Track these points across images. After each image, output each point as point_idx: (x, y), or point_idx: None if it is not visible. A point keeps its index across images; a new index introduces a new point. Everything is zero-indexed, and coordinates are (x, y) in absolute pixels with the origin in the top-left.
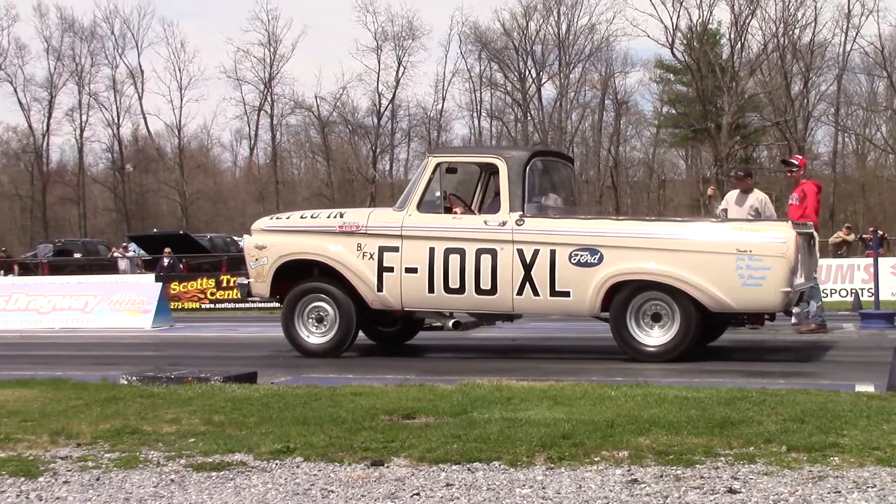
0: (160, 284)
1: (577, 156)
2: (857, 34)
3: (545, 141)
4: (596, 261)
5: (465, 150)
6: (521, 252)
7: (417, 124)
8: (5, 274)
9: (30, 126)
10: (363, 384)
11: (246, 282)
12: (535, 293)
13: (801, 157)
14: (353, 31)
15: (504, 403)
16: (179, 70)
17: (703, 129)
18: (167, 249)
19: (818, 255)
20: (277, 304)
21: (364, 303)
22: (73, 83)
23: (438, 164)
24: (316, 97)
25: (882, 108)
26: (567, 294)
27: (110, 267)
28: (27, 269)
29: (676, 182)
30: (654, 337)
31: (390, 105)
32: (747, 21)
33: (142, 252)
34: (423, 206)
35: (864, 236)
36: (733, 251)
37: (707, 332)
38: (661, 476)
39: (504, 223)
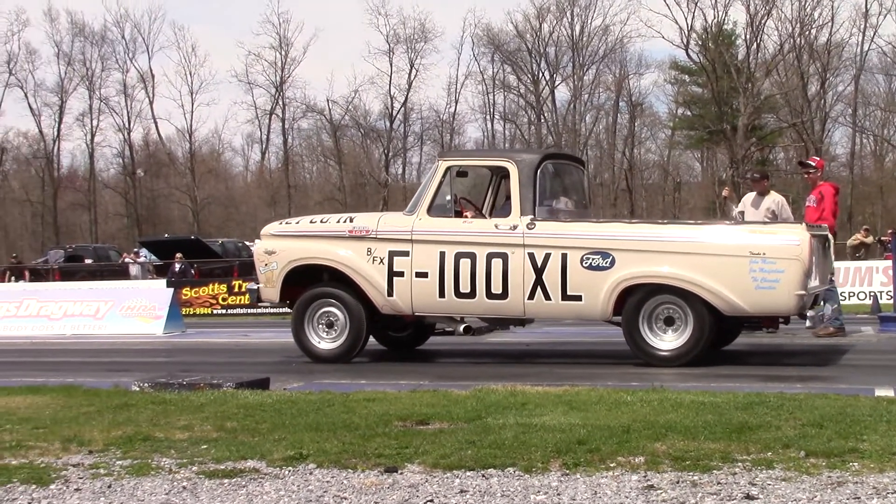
0: (172, 290)
1: (591, 158)
2: (874, 34)
3: (559, 144)
4: (608, 264)
5: (475, 153)
6: (532, 256)
7: (430, 127)
8: (16, 280)
9: (40, 131)
10: (376, 390)
11: (256, 287)
12: (547, 297)
13: (818, 158)
14: (365, 33)
15: (519, 409)
16: (190, 74)
17: (719, 130)
18: (178, 255)
19: (833, 257)
20: (289, 310)
21: (374, 308)
22: (83, 88)
23: (449, 168)
24: (328, 101)
25: None
26: (579, 298)
27: (121, 272)
28: (38, 275)
29: (692, 184)
30: (667, 341)
31: (403, 108)
32: (763, 21)
33: (153, 257)
34: (433, 210)
35: (882, 238)
36: (746, 254)
37: (722, 335)
38: (678, 482)
39: (515, 227)
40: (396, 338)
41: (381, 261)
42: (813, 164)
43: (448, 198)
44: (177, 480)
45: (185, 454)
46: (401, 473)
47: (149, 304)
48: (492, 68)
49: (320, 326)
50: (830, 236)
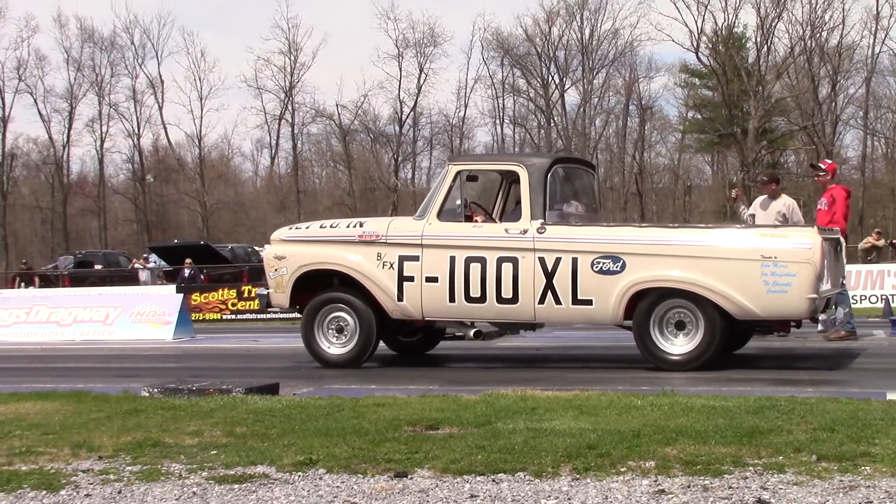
0: (181, 295)
1: (601, 162)
2: (885, 36)
3: (569, 148)
4: (618, 268)
5: (485, 157)
6: (542, 260)
7: (439, 132)
8: (26, 286)
9: (50, 137)
10: (386, 395)
11: (265, 292)
12: (557, 301)
13: (830, 161)
14: (374, 38)
15: (529, 413)
16: (199, 80)
17: (730, 133)
18: (188, 260)
19: (845, 260)
20: (299, 315)
21: (384, 312)
22: (93, 94)
23: (459, 172)
24: (337, 105)
25: None
26: (589, 302)
27: (131, 278)
28: (48, 281)
29: (702, 188)
30: (678, 345)
31: (412, 113)
32: (774, 24)
33: (163, 263)
34: (443, 214)
35: (893, 241)
36: (758, 257)
37: (733, 339)
38: (689, 486)
39: (525, 231)
40: (406, 342)
41: (391, 265)
42: (823, 166)
43: (458, 202)
44: (186, 486)
45: (194, 460)
46: (411, 478)
47: (158, 310)
48: (501, 72)
49: (330, 331)
50: (842, 239)
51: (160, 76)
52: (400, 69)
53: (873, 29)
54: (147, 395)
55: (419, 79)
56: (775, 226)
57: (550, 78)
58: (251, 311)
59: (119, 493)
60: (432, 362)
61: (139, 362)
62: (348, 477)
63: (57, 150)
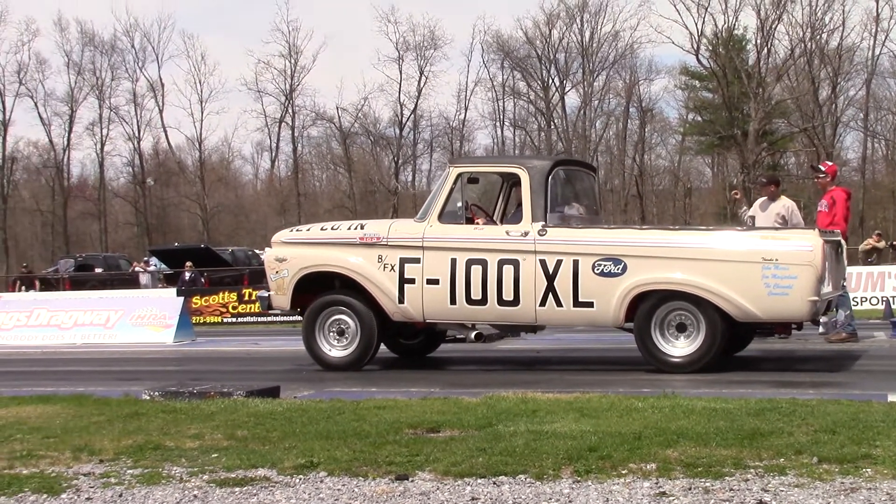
0: (182, 299)
1: (601, 164)
2: (886, 38)
3: (569, 150)
4: (619, 271)
5: (486, 159)
6: (543, 262)
7: (440, 134)
8: (27, 289)
9: (50, 141)
10: (387, 397)
11: (266, 295)
12: (559, 304)
13: (830, 163)
14: (375, 41)
15: (530, 416)
16: (200, 83)
17: (730, 136)
18: (189, 263)
19: (846, 262)
20: (299, 318)
21: (385, 315)
22: (93, 97)
23: (460, 175)
24: (337, 108)
25: None
26: (590, 305)
27: (132, 281)
28: (48, 285)
29: (703, 190)
30: (680, 347)
31: (412, 115)
32: (774, 26)
33: (163, 266)
34: (444, 216)
35: (894, 243)
36: (759, 260)
37: (734, 341)
38: (690, 489)
39: (526, 233)
40: (407, 345)
41: (392, 268)
42: (824, 168)
43: (459, 204)
44: (188, 489)
45: (195, 463)
46: (412, 481)
47: (159, 313)
48: (501, 75)
49: (331, 334)
50: (842, 241)
51: (160, 79)
52: (400, 72)
53: (873, 31)
54: (148, 398)
55: (419, 81)
56: (776, 228)
57: (551, 80)
58: (252, 314)
59: (120, 496)
60: (433, 365)
61: (140, 366)
62: (349, 480)
63: (57, 154)
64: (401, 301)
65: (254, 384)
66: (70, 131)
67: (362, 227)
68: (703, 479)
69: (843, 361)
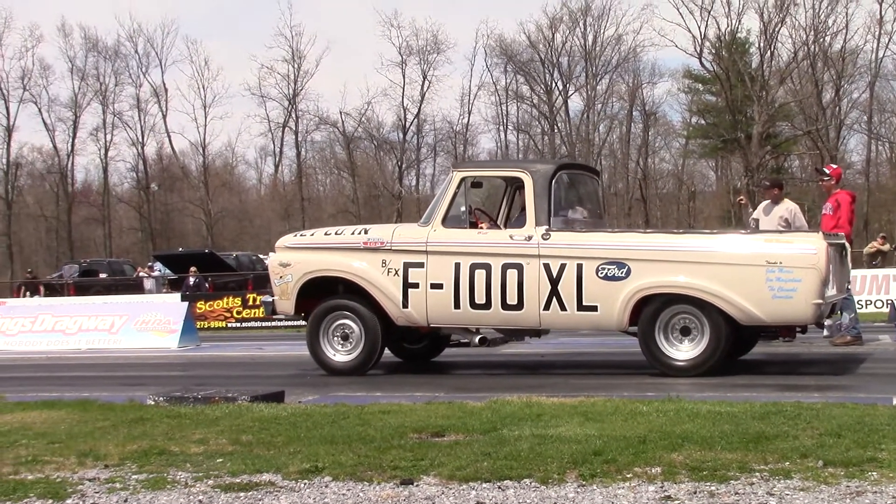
0: (186, 304)
1: (605, 168)
2: (889, 40)
3: (573, 154)
4: (623, 274)
5: (489, 164)
6: (547, 266)
7: (443, 139)
8: (31, 295)
9: (54, 146)
10: (391, 402)
11: (270, 299)
12: (563, 308)
13: (835, 166)
14: (378, 45)
15: (534, 420)
16: (203, 88)
17: (733, 139)
18: (193, 268)
19: (850, 265)
20: (304, 322)
21: (389, 320)
22: (97, 103)
23: (463, 179)
24: (341, 113)
25: None
26: (594, 308)
27: (136, 287)
28: (53, 290)
29: (707, 193)
30: (684, 351)
31: (416, 120)
32: (777, 29)
33: (167, 271)
34: (448, 221)
35: None
36: (763, 263)
37: (738, 345)
38: (695, 492)
39: (530, 237)
40: (412, 350)
41: (396, 272)
42: (828, 171)
43: (463, 209)
44: (193, 494)
45: (200, 468)
46: (416, 486)
47: (163, 318)
48: (505, 79)
49: (335, 339)
50: (847, 244)
51: (164, 85)
52: (403, 76)
53: (877, 33)
54: (153, 403)
55: (423, 86)
56: (780, 231)
57: (554, 84)
58: (256, 319)
59: (125, 501)
60: (437, 369)
61: (144, 371)
62: (354, 484)
63: (61, 159)
64: (405, 305)
65: (258, 389)
66: (74, 137)
67: (366, 232)
68: (708, 483)
69: (847, 365)
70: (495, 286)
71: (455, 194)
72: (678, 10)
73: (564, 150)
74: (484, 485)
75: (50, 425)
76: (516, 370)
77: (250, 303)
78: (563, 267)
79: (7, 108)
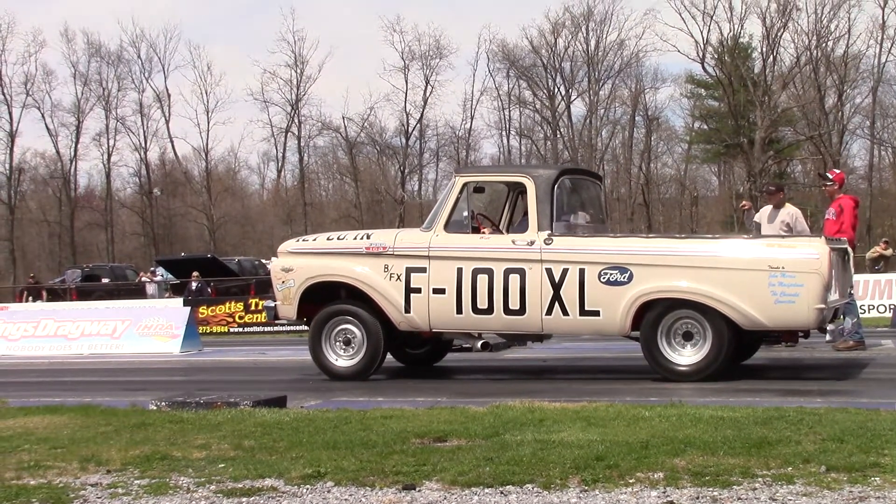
0: (188, 309)
1: (607, 173)
2: (892, 45)
3: (575, 159)
4: (626, 279)
5: (492, 169)
6: (549, 271)
7: (446, 144)
8: (34, 300)
9: (57, 152)
10: (393, 407)
11: (273, 304)
12: (565, 313)
13: (838, 171)
14: (380, 50)
15: (537, 425)
16: (206, 93)
17: (736, 144)
18: (195, 273)
19: (853, 270)
20: (306, 327)
21: (392, 324)
22: (100, 108)
23: (466, 184)
24: (343, 118)
25: None
26: (597, 313)
27: (138, 292)
28: (55, 295)
29: (709, 198)
30: (686, 356)
31: (418, 125)
32: (779, 34)
33: (170, 276)
34: (450, 226)
35: None
36: (765, 268)
37: (741, 350)
38: (698, 498)
39: (532, 242)
40: (414, 355)
41: (399, 277)
42: (831, 176)
43: (465, 214)
44: (195, 499)
45: (202, 473)
46: (419, 491)
47: (166, 323)
48: (507, 84)
49: (338, 344)
50: (850, 249)
51: (167, 90)
52: (406, 81)
53: (879, 38)
54: (155, 408)
55: (425, 91)
56: (782, 236)
57: (556, 89)
58: (258, 324)
59: None
60: (440, 374)
61: (147, 376)
62: (356, 490)
63: (64, 165)
64: (407, 310)
65: (260, 394)
66: (77, 142)
67: (368, 237)
68: (710, 488)
69: (850, 369)
70: (497, 291)
71: (457, 199)
72: (680, 15)
73: (567, 155)
74: (486, 490)
75: (52, 430)
76: (518, 375)
77: (252, 308)
78: (565, 272)
79: (10, 114)
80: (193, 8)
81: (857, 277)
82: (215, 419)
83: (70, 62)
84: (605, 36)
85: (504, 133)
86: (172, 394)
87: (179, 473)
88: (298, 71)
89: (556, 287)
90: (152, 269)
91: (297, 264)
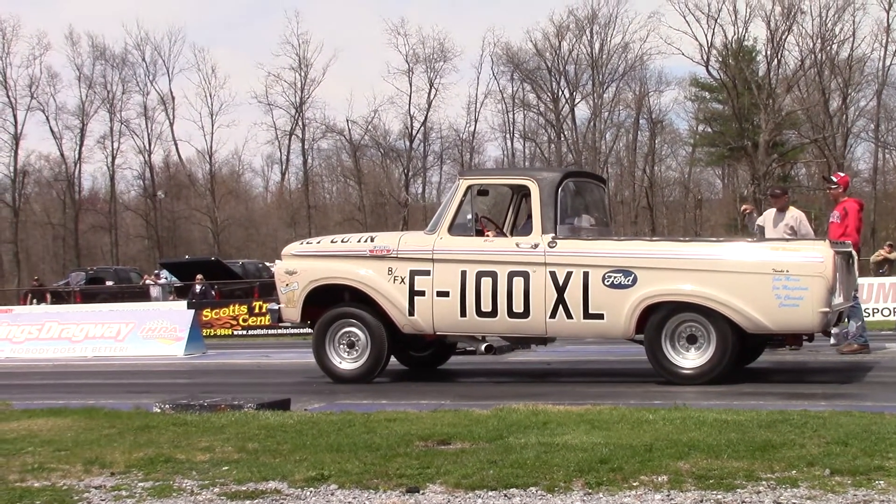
0: (192, 311)
1: (611, 176)
2: None
3: (579, 162)
4: (630, 282)
5: (496, 172)
6: (553, 274)
7: (450, 147)
8: (38, 302)
9: (62, 154)
10: (397, 410)
11: (277, 307)
12: (569, 316)
13: (842, 174)
14: (384, 53)
15: (540, 428)
16: (210, 96)
17: (740, 147)
18: (199, 276)
19: (857, 273)
20: (310, 330)
21: (395, 327)
22: (104, 111)
23: (470, 187)
24: (347, 121)
25: None
26: (601, 316)
27: (142, 294)
28: (59, 298)
29: (713, 201)
30: (690, 359)
31: (422, 128)
32: (784, 37)
33: (174, 279)
34: (454, 228)
35: None
36: (770, 271)
37: (745, 353)
38: (702, 501)
39: (536, 245)
40: (418, 357)
41: (402, 280)
42: (836, 180)
43: (469, 217)
44: (198, 502)
45: (206, 475)
46: (422, 494)
47: (170, 326)
48: (511, 87)
49: (341, 346)
50: (854, 252)
51: (171, 93)
52: (410, 84)
53: (884, 41)
54: (159, 410)
55: (429, 94)
56: (786, 239)
57: (560, 92)
58: (262, 327)
59: None
60: (443, 377)
61: (151, 378)
62: (360, 492)
63: (68, 167)
64: (411, 313)
65: (264, 397)
66: (81, 145)
67: (372, 240)
68: (714, 492)
69: (854, 373)
70: (501, 294)
71: (461, 202)
72: (685, 18)
73: (571, 159)
74: (490, 493)
75: (56, 433)
76: (522, 378)
77: (256, 310)
78: (569, 275)
79: (15, 116)
80: (198, 11)
81: (861, 281)
82: (219, 422)
83: (74, 65)
84: (609, 39)
85: (508, 136)
86: (176, 396)
87: (183, 476)
88: (302, 74)
89: (560, 290)
90: (156, 271)
91: (300, 267)
